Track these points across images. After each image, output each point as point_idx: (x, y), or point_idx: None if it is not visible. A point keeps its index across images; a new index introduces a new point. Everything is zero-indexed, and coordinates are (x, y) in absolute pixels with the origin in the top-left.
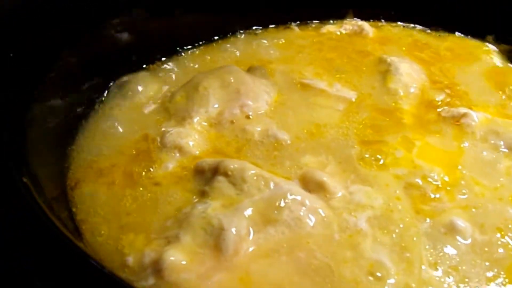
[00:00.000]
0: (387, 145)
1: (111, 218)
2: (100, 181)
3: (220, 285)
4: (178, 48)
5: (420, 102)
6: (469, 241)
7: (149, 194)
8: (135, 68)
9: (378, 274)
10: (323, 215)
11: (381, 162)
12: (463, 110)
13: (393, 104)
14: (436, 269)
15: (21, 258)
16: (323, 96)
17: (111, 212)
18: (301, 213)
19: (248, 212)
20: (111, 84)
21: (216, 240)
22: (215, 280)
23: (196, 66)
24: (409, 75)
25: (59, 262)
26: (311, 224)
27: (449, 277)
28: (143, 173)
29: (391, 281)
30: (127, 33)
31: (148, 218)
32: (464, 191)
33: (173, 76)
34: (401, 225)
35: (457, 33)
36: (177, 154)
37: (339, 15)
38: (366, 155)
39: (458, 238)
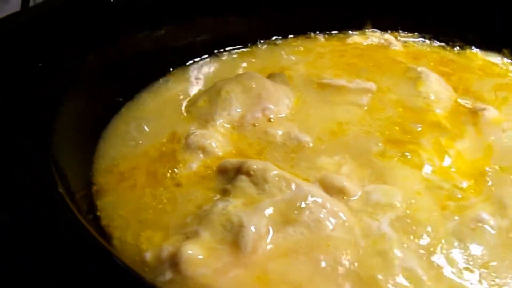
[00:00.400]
0: (419, 146)
1: (132, 218)
2: (125, 184)
3: (236, 281)
4: (201, 57)
5: (451, 110)
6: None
7: (170, 193)
8: (162, 73)
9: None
10: (344, 219)
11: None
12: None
13: (425, 106)
14: (470, 271)
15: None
16: (342, 93)
17: (134, 212)
18: (321, 215)
19: (269, 211)
20: (135, 89)
21: (235, 236)
22: (231, 276)
23: (218, 73)
24: (439, 84)
25: (89, 264)
26: (331, 227)
27: (482, 277)
28: (168, 174)
29: None
30: (155, 41)
31: (168, 215)
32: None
33: (197, 82)
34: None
35: (473, 48)
36: (201, 155)
37: (358, 25)
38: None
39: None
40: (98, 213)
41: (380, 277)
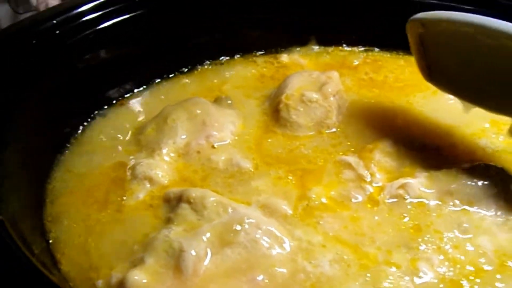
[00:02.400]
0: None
1: (84, 247)
2: (76, 212)
3: None
4: (150, 81)
5: None
6: None
7: (119, 223)
8: (110, 101)
9: None
10: (280, 237)
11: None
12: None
13: None
14: None
15: None
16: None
17: (84, 241)
18: (257, 235)
19: (207, 235)
20: (85, 117)
21: (176, 261)
22: None
23: (166, 97)
24: None
25: None
26: (267, 245)
27: None
28: (117, 202)
29: None
30: (103, 68)
31: (117, 244)
32: None
33: (146, 108)
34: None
35: None
36: (148, 185)
37: (302, 42)
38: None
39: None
40: (51, 242)
41: None
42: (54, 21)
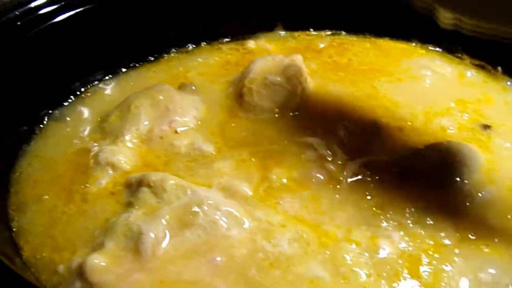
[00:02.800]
0: None
1: (48, 234)
2: (40, 201)
3: (137, 284)
4: (116, 70)
5: None
6: None
7: (81, 209)
8: (75, 91)
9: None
10: (240, 218)
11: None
12: None
13: None
14: None
15: None
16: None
17: (48, 228)
18: (216, 217)
19: (166, 217)
20: (51, 108)
21: (135, 244)
22: (133, 279)
23: (132, 85)
24: None
25: None
26: (226, 226)
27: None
28: (80, 189)
29: None
30: (61, 54)
31: (79, 230)
32: None
33: (112, 97)
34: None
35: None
36: (110, 171)
37: (269, 28)
38: None
39: None
40: (15, 230)
41: (276, 273)
42: (17, 12)
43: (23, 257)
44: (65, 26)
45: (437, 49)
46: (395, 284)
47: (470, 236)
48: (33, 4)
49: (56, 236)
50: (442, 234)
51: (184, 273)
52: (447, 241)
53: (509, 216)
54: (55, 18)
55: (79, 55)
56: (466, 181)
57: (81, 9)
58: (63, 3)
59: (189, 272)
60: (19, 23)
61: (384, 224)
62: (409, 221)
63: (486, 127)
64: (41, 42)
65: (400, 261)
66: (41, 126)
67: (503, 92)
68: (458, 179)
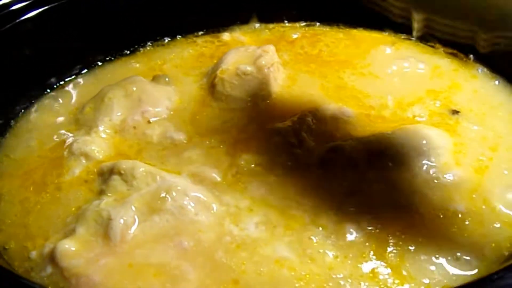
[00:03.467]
0: None
1: (21, 223)
2: (14, 192)
3: (106, 268)
4: (92, 64)
5: None
6: None
7: (54, 197)
8: (51, 86)
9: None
10: (207, 203)
11: None
12: None
13: None
14: None
15: None
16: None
17: (21, 218)
18: (184, 202)
19: (135, 203)
20: (27, 102)
21: (105, 229)
22: (102, 263)
23: (109, 78)
24: None
25: None
26: (194, 211)
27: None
28: (54, 179)
29: None
30: (36, 49)
31: (52, 217)
32: None
33: (88, 90)
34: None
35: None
36: (83, 161)
37: (244, 20)
38: None
39: None
40: None
41: (243, 254)
42: None
43: None
44: (38, 21)
45: (411, 38)
46: (360, 265)
47: (439, 215)
48: (4, 1)
49: (30, 224)
50: (409, 215)
51: (152, 257)
52: (415, 221)
53: (474, 196)
54: (28, 13)
55: (54, 50)
56: (433, 164)
57: (54, 4)
58: None
59: (157, 255)
60: None
61: (352, 208)
62: (377, 204)
63: (455, 112)
64: (14, 37)
65: (367, 244)
66: (17, 119)
67: (473, 79)
68: (425, 161)
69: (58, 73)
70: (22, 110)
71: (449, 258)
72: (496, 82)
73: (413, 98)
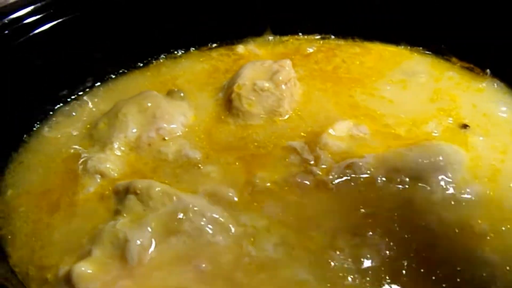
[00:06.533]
0: None
1: (35, 243)
2: (28, 210)
3: None
4: (105, 77)
5: None
6: None
7: (69, 216)
8: (64, 99)
9: None
10: (226, 224)
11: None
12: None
13: None
14: None
15: None
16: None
17: (36, 239)
18: (202, 223)
19: (152, 225)
20: (40, 115)
21: (122, 251)
22: (118, 286)
23: (121, 91)
24: None
25: None
26: (211, 232)
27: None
28: (68, 197)
29: None
30: (49, 62)
31: (67, 237)
32: None
33: (101, 104)
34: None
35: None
36: (98, 179)
37: (258, 32)
38: None
39: None
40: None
41: (262, 276)
42: (5, 21)
43: (9, 264)
44: (51, 34)
45: (426, 52)
46: None
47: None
48: (18, 14)
49: (45, 244)
50: (426, 235)
51: (170, 280)
52: (431, 242)
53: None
54: (41, 26)
55: (67, 63)
56: (450, 179)
57: (67, 17)
58: (51, 11)
59: (175, 278)
60: (6, 32)
61: (369, 232)
62: (394, 225)
63: (465, 126)
64: (28, 50)
65: (383, 268)
66: (30, 133)
67: (482, 93)
68: (442, 176)
69: (71, 86)
70: (36, 125)
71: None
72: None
73: (427, 114)
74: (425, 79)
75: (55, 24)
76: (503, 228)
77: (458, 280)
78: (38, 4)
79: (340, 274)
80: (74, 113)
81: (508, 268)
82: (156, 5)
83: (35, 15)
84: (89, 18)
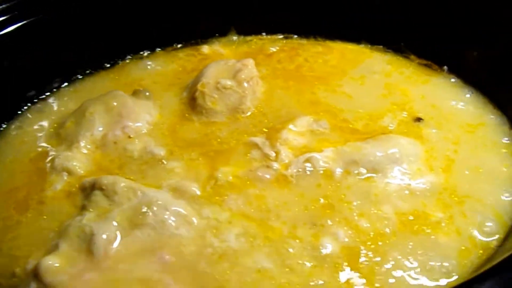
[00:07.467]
0: None
1: (3, 240)
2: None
3: (90, 283)
4: (72, 78)
5: None
6: None
7: (36, 213)
8: (31, 99)
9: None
10: (187, 217)
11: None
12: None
13: None
14: None
15: None
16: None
17: (4, 235)
18: (165, 217)
19: (117, 219)
20: (6, 116)
21: (88, 244)
22: (85, 279)
23: (88, 91)
24: None
25: None
26: (174, 225)
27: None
28: (36, 195)
29: None
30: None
31: (34, 233)
32: None
33: (68, 104)
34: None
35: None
36: (65, 177)
37: (222, 32)
38: None
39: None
40: None
41: (225, 265)
42: None
43: None
44: (17, 35)
45: (387, 50)
46: (337, 276)
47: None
48: None
49: (13, 240)
50: (383, 224)
51: (135, 271)
52: (387, 230)
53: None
54: (7, 27)
55: (34, 63)
56: (406, 170)
57: (33, 18)
58: (16, 13)
59: (139, 270)
60: None
61: (328, 220)
62: (352, 215)
63: (419, 119)
64: None
65: (341, 255)
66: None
67: (436, 87)
68: (398, 168)
69: (38, 87)
70: (2, 125)
71: (421, 267)
72: (468, 95)
73: (383, 109)
74: (382, 75)
75: (21, 26)
76: (456, 212)
77: (412, 265)
78: (3, 6)
79: (300, 261)
80: (41, 113)
81: (463, 247)
82: (121, 6)
83: (1, 17)
84: (55, 19)
